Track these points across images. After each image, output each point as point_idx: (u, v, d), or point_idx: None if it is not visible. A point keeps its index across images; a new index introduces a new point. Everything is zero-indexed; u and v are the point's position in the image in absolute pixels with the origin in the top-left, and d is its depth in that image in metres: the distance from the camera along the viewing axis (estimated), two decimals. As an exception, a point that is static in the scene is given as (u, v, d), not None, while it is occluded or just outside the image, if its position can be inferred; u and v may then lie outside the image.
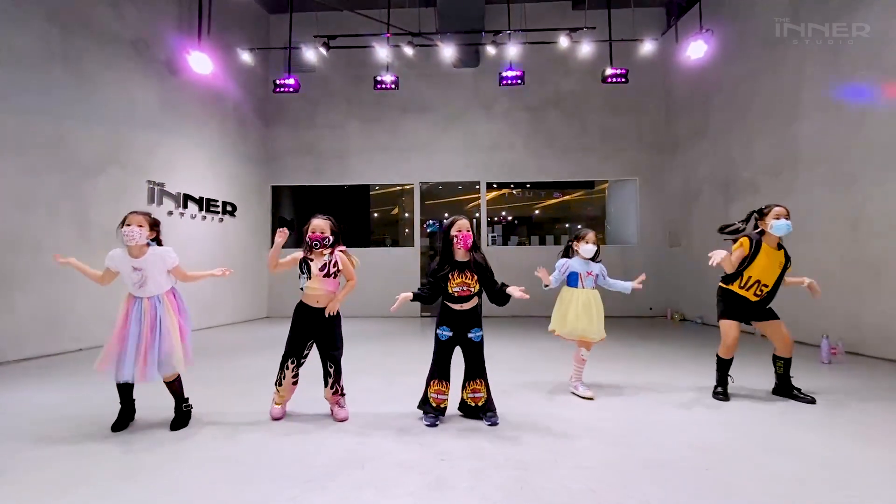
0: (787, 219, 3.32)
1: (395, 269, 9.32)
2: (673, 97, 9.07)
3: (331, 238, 2.98)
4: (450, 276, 2.91)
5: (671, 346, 5.82)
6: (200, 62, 6.93)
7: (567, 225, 13.34)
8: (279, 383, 3.01)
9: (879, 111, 4.94)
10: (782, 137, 6.24)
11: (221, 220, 8.20)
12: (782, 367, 3.46)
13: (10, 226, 4.94)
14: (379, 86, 7.91)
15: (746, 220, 3.53)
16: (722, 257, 3.30)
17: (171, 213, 7.06)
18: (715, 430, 2.80)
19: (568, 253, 3.65)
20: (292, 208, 10.87)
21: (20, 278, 4.99)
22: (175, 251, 2.90)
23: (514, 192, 13.22)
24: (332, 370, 2.98)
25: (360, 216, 12.73)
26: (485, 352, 3.03)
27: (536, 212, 13.77)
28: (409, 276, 9.15)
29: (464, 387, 3.04)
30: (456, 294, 2.90)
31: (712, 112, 7.77)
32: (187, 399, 2.97)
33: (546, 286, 3.50)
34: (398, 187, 12.92)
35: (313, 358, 3.07)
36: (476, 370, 2.98)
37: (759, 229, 3.45)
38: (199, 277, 3.06)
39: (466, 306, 2.94)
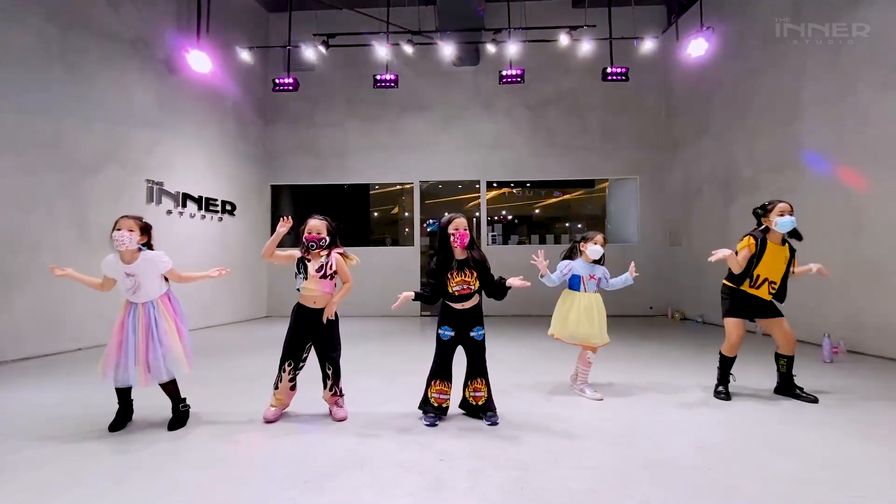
0: (790, 214, 3.30)
1: (395, 268, 9.31)
2: (673, 95, 9.05)
3: (327, 239, 2.97)
4: (449, 274, 2.89)
5: (672, 346, 5.80)
6: (199, 61, 6.91)
7: (567, 224, 13.32)
8: (276, 386, 2.98)
9: (881, 110, 4.92)
10: (784, 136, 6.22)
11: (221, 219, 8.19)
12: (785, 366, 3.44)
13: (9, 225, 4.93)
14: (379, 84, 7.89)
15: (763, 209, 3.45)
16: (726, 255, 3.28)
17: (169, 212, 7.05)
18: (716, 430, 2.79)
19: (572, 254, 3.62)
20: (292, 207, 10.84)
21: (19, 278, 4.97)
22: (174, 251, 2.90)
23: (515, 191, 13.21)
24: (330, 372, 2.97)
25: (359, 215, 12.70)
26: (485, 351, 3.02)
27: (536, 211, 13.76)
28: (408, 276, 9.14)
29: (466, 385, 3.03)
30: (456, 293, 2.89)
31: (713, 110, 7.75)
32: (184, 399, 2.96)
33: (541, 276, 3.39)
34: (398, 186, 12.91)
35: (313, 357, 3.06)
36: (477, 369, 2.97)
37: (762, 226, 3.43)
38: (196, 279, 3.04)
39: (467, 305, 2.93)
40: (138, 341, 2.70)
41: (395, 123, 9.63)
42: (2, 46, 4.91)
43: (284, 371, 2.95)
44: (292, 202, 10.92)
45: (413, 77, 9.31)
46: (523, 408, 3.22)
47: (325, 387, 3.00)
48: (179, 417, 2.88)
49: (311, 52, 7.78)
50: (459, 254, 2.94)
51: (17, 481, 2.16)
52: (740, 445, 2.54)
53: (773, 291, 3.37)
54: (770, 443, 2.58)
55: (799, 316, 5.27)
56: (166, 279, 2.92)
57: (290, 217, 2.90)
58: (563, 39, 7.52)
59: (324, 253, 2.96)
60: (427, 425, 2.85)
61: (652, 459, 2.35)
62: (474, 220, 9.88)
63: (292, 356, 2.96)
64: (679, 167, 8.83)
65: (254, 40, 8.88)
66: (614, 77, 7.63)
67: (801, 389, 3.40)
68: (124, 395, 2.85)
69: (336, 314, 3.00)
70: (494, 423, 2.87)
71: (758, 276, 3.34)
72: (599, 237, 3.49)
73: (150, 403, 3.10)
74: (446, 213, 3.02)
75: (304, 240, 2.94)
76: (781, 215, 3.30)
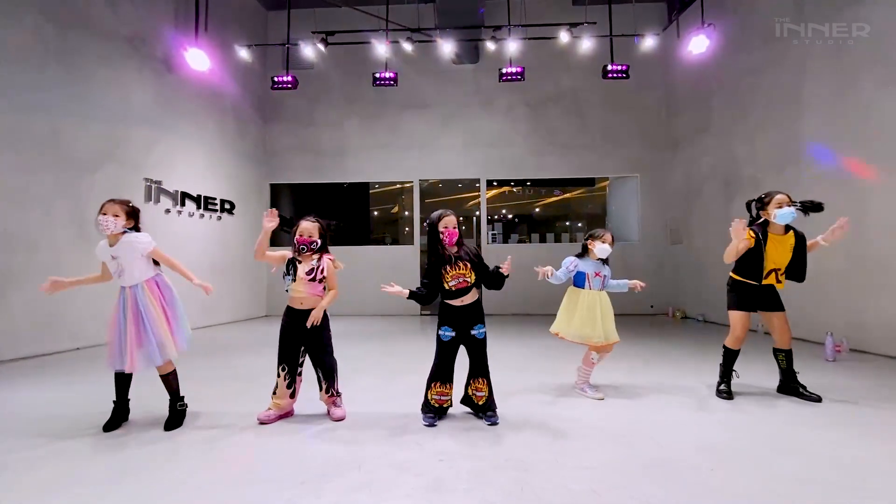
0: (789, 206, 3.27)
1: (395, 267, 9.28)
2: (674, 93, 9.01)
3: (318, 242, 2.95)
4: (443, 270, 2.87)
5: (673, 345, 5.78)
6: (198, 59, 6.89)
7: (567, 223, 13.30)
8: (274, 392, 2.94)
9: (883, 108, 4.88)
10: (785, 134, 6.18)
11: (220, 218, 8.16)
12: (784, 361, 3.42)
13: (6, 224, 4.90)
14: (378, 82, 7.86)
15: (760, 202, 3.43)
16: (740, 236, 3.24)
17: (168, 211, 7.03)
18: (718, 430, 2.76)
19: (582, 252, 3.57)
20: (291, 206, 10.82)
21: (16, 277, 4.95)
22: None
23: (515, 189, 13.18)
24: (323, 375, 2.95)
25: (359, 214, 12.69)
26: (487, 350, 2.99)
27: (537, 209, 13.74)
28: (408, 275, 9.12)
29: (468, 383, 3.01)
30: (453, 288, 2.86)
31: (714, 108, 7.71)
32: (182, 398, 2.94)
33: (548, 277, 3.35)
34: (398, 185, 12.88)
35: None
36: (479, 369, 2.94)
37: (761, 220, 3.40)
38: (179, 271, 2.94)
39: (467, 300, 2.90)
40: (128, 324, 2.72)
41: (394, 122, 9.60)
42: (-2, 44, 4.88)
43: (279, 376, 2.92)
44: (292, 201, 10.91)
45: (413, 75, 9.27)
46: (523, 407, 3.20)
47: (320, 388, 2.98)
48: (176, 417, 2.86)
49: (310, 50, 7.75)
50: (451, 249, 2.92)
51: (15, 481, 2.14)
52: (742, 445, 2.51)
53: (783, 280, 3.37)
54: (772, 442, 2.55)
55: (801, 314, 5.25)
56: (157, 263, 2.91)
57: (275, 209, 2.84)
58: (564, 37, 7.49)
59: (315, 256, 2.94)
60: (426, 425, 2.82)
61: (653, 459, 2.33)
62: (474, 218, 9.86)
63: (286, 360, 2.93)
64: (680, 165, 8.79)
65: (252, 38, 8.86)
66: (615, 75, 7.60)
67: (804, 388, 3.37)
68: (122, 387, 2.83)
69: (326, 316, 2.97)
70: (494, 423, 2.85)
71: (765, 268, 3.33)
72: (608, 236, 3.45)
73: (147, 403, 3.08)
74: (436, 210, 3.01)
75: (294, 242, 2.91)
76: (780, 207, 3.27)
